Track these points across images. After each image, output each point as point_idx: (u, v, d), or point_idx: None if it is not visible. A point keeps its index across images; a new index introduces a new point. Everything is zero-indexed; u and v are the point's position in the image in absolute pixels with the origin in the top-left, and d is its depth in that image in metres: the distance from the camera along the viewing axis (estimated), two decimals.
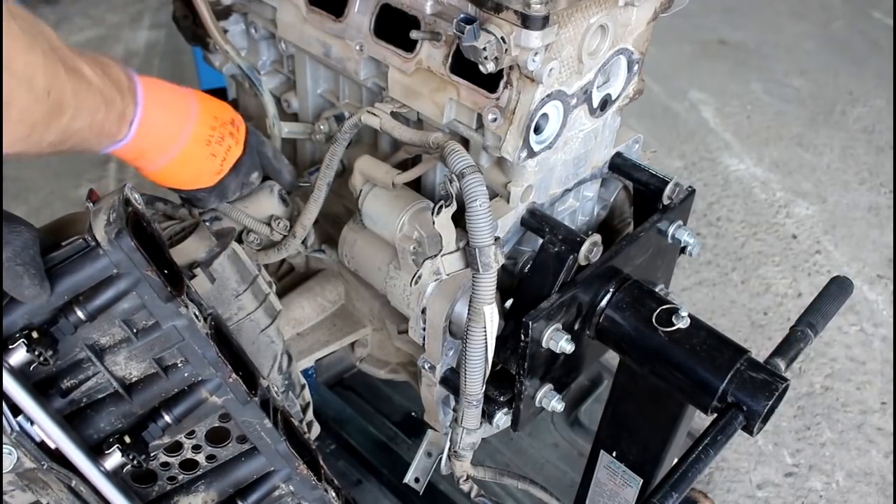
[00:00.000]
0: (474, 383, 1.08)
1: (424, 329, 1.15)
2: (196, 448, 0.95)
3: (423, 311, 1.13)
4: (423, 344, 1.17)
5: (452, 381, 1.18)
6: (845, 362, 2.43)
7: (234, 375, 0.89)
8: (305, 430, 1.28)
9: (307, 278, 1.44)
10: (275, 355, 1.21)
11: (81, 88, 0.79)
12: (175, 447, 0.94)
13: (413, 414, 2.02)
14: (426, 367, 1.18)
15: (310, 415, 1.33)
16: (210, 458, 0.97)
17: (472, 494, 1.28)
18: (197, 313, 0.88)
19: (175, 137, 0.98)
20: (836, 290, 1.17)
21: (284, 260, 1.48)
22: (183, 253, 1.07)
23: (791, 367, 1.06)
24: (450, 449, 1.20)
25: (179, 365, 0.88)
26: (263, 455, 0.97)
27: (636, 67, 1.12)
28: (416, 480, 1.39)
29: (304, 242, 1.29)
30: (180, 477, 0.97)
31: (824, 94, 3.63)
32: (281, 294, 1.41)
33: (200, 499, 0.98)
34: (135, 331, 0.84)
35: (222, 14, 1.33)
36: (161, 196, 1.25)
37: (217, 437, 0.95)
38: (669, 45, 3.78)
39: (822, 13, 4.24)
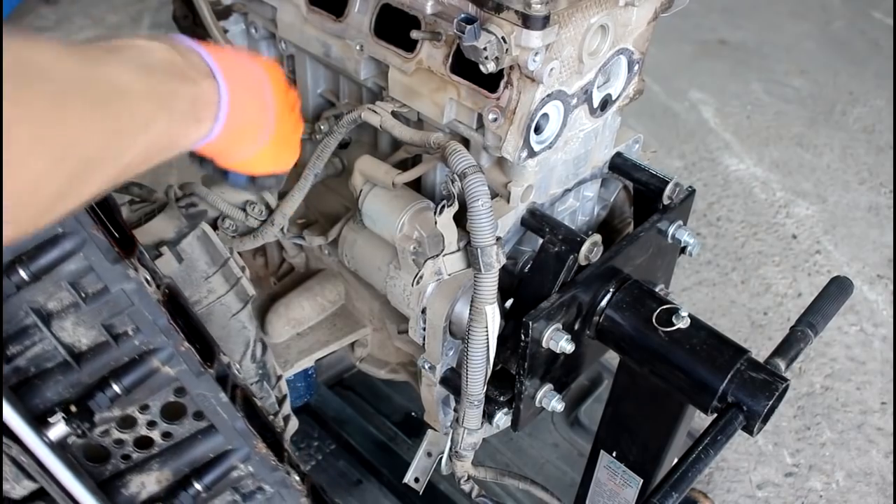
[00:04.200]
0: (476, 383, 1.08)
1: (424, 329, 1.15)
2: (151, 424, 0.92)
3: (423, 311, 1.13)
4: (423, 344, 1.17)
5: (452, 381, 1.18)
6: (845, 362, 2.43)
7: (186, 345, 0.86)
8: (282, 424, 1.26)
9: (307, 278, 1.44)
10: (247, 342, 1.18)
11: (117, 117, 0.57)
12: (129, 423, 0.91)
13: (413, 414, 2.02)
14: (426, 367, 1.18)
15: (286, 408, 1.31)
16: (166, 435, 0.94)
17: (474, 495, 1.28)
18: (148, 279, 0.85)
19: (265, 116, 0.82)
20: (836, 290, 1.16)
21: (284, 260, 1.48)
22: (151, 232, 1.06)
23: (791, 367, 1.06)
24: (451, 449, 1.20)
25: (130, 333, 0.85)
26: (221, 433, 0.93)
27: (636, 67, 1.12)
28: (416, 480, 1.39)
29: (282, 230, 1.27)
30: (135, 455, 0.94)
31: (824, 94, 3.63)
32: (281, 294, 1.41)
33: (154, 478, 0.95)
34: (83, 295, 0.81)
35: (222, 14, 1.33)
36: (134, 181, 1.24)
37: (173, 413, 0.92)
38: (669, 45, 3.78)
39: (822, 13, 4.24)
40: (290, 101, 0.88)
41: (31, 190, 0.50)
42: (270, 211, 1.24)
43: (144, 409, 0.91)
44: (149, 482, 0.95)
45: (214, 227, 1.22)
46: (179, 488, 0.97)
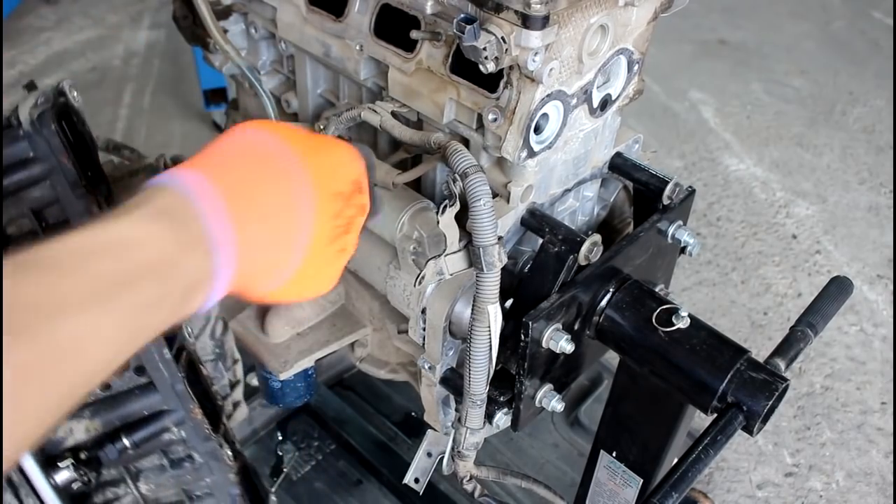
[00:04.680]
0: (478, 383, 1.08)
1: (424, 329, 1.15)
2: None
3: (423, 312, 1.13)
4: (423, 344, 1.17)
5: (452, 381, 1.18)
6: (845, 362, 2.43)
7: None
8: (231, 408, 1.25)
9: None
10: (208, 315, 1.17)
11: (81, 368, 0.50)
12: None
13: (413, 414, 2.02)
14: (426, 367, 1.18)
15: (238, 394, 1.26)
16: (104, 386, 0.91)
17: (476, 494, 1.28)
18: None
19: (287, 258, 0.68)
20: (836, 290, 1.16)
21: None
22: (130, 188, 1.06)
23: (791, 367, 1.06)
24: (453, 449, 1.20)
25: None
26: (159, 391, 0.91)
27: (636, 67, 1.12)
28: (416, 481, 1.39)
29: None
30: None
31: (824, 94, 3.63)
32: None
33: (84, 426, 0.93)
34: (43, 225, 0.81)
35: (222, 14, 1.33)
36: (127, 145, 1.24)
37: None
38: (669, 45, 3.78)
39: (822, 13, 4.24)
40: (344, 215, 0.74)
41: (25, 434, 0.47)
42: None
43: None
44: (77, 429, 0.93)
45: None
46: (107, 441, 0.94)
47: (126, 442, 0.94)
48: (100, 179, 0.84)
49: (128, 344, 0.54)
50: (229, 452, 1.01)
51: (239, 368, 1.27)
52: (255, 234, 0.63)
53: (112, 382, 0.91)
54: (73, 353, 0.50)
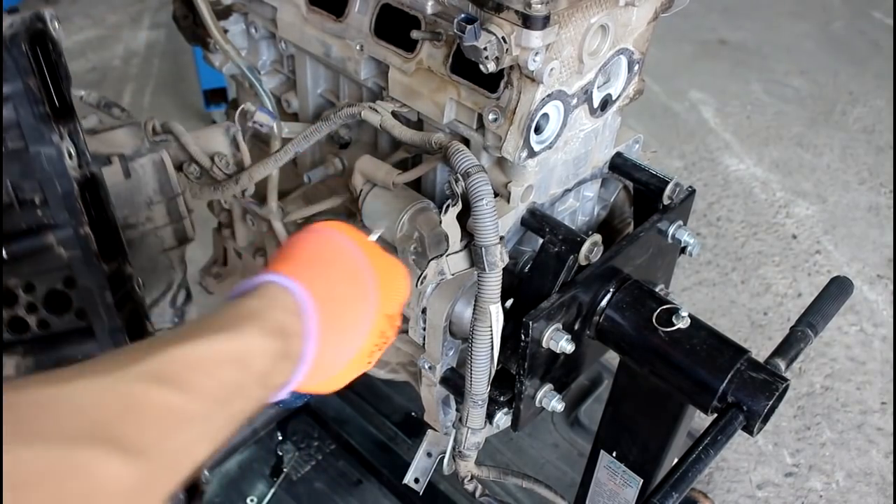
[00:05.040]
0: (480, 383, 1.08)
1: (424, 329, 1.15)
2: (31, 308, 0.88)
3: (424, 311, 1.13)
4: (424, 344, 1.18)
5: (452, 381, 1.19)
6: (845, 362, 2.43)
7: (87, 229, 0.84)
8: None
9: None
10: (170, 282, 1.16)
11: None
12: (9, 299, 0.87)
13: (413, 414, 2.02)
14: (426, 367, 1.18)
15: None
16: (42, 324, 0.90)
17: (477, 494, 1.28)
18: (72, 152, 0.83)
19: (336, 366, 0.76)
20: (836, 290, 1.17)
21: None
22: (108, 141, 1.04)
23: (791, 367, 1.06)
24: (454, 449, 1.20)
25: (36, 203, 0.82)
26: (97, 339, 0.90)
27: (636, 67, 1.12)
28: (416, 481, 1.39)
29: (243, 192, 1.26)
30: (5, 335, 0.91)
31: (824, 94, 3.63)
32: None
33: (14, 362, 0.92)
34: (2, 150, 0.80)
35: (222, 14, 1.33)
36: (117, 103, 1.24)
37: (56, 303, 0.89)
38: (669, 45, 3.78)
39: (822, 13, 4.24)
40: (384, 336, 0.81)
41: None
42: (240, 169, 1.24)
43: (29, 289, 0.87)
44: (8, 365, 0.92)
45: (179, 168, 1.20)
46: None
47: None
48: (69, 113, 0.83)
49: (215, 447, 0.58)
50: None
51: None
52: (328, 352, 0.70)
53: (51, 322, 0.89)
54: (186, 459, 0.54)
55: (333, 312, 0.70)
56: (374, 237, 0.96)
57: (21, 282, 0.87)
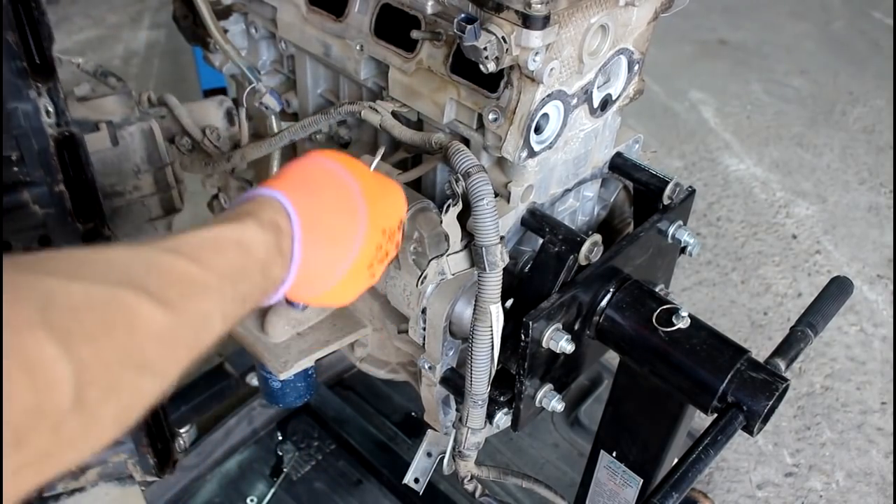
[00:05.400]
0: (480, 383, 1.08)
1: (424, 329, 1.15)
2: None
3: (424, 311, 1.13)
4: (423, 344, 1.17)
5: (452, 381, 1.18)
6: (845, 362, 2.43)
7: (62, 187, 0.84)
8: None
9: None
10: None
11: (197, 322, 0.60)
12: None
13: (413, 414, 2.02)
14: (426, 367, 1.18)
15: None
16: None
17: (477, 494, 1.28)
18: (51, 110, 0.83)
19: (333, 274, 0.80)
20: (836, 290, 1.17)
21: None
22: (98, 108, 1.04)
23: (791, 367, 1.07)
24: (454, 449, 1.20)
25: (13, 159, 0.82)
26: None
27: (636, 67, 1.12)
28: (416, 481, 1.39)
29: (233, 169, 1.26)
30: None
31: (824, 94, 3.63)
32: None
33: None
34: None
35: (222, 14, 1.33)
36: (114, 72, 1.24)
37: None
38: (669, 45, 3.78)
39: (822, 13, 4.24)
40: (384, 247, 0.85)
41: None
42: (234, 145, 1.24)
43: (6, 248, 0.88)
44: None
45: (172, 141, 1.20)
46: None
47: None
48: (48, 71, 0.83)
49: (229, 325, 0.65)
50: None
51: None
52: (316, 256, 0.76)
53: None
54: (205, 326, 0.61)
55: (318, 220, 0.76)
56: (373, 166, 0.97)
57: None
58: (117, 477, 1.08)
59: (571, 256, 1.07)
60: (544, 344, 1.07)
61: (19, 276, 0.48)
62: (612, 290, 1.14)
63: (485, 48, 0.91)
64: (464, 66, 1.02)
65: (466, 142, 1.10)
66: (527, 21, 0.89)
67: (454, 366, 1.21)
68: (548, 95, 1.00)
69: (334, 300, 0.85)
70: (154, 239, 0.61)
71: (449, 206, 1.02)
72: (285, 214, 0.73)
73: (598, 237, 1.09)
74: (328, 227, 0.77)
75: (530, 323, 1.03)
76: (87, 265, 0.53)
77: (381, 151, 1.05)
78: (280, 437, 1.99)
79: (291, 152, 1.45)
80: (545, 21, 0.89)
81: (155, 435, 1.11)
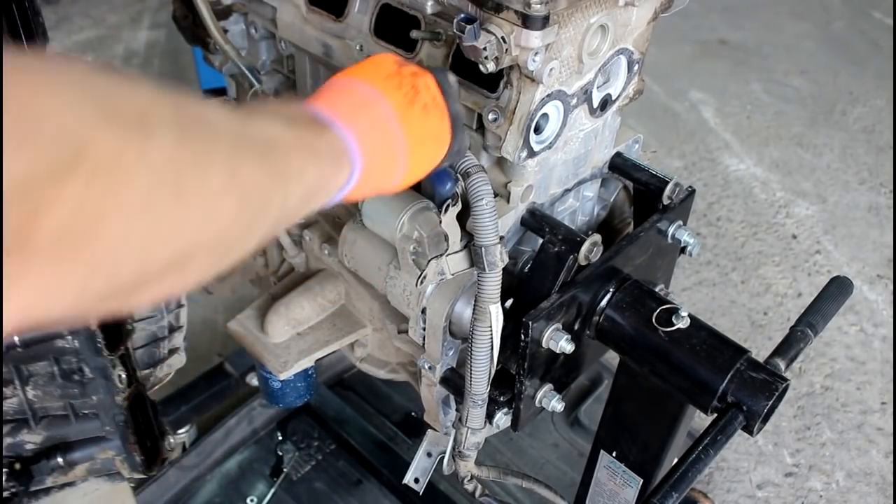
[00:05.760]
0: (480, 382, 1.08)
1: (424, 329, 1.15)
2: None
3: (423, 311, 1.13)
4: (423, 344, 1.18)
5: (452, 381, 1.19)
6: (845, 362, 2.43)
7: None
8: (166, 353, 1.21)
9: (307, 278, 1.43)
10: None
11: (277, 168, 0.61)
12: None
13: (413, 414, 2.02)
14: (426, 367, 1.18)
15: (178, 341, 1.24)
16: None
17: (477, 494, 1.28)
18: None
19: (392, 139, 0.80)
20: (836, 290, 1.17)
21: (284, 260, 1.48)
22: None
23: (791, 367, 1.07)
24: (454, 449, 1.20)
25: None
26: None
27: (636, 67, 1.12)
28: (416, 481, 1.39)
29: None
30: None
31: (824, 94, 3.63)
32: (281, 294, 1.40)
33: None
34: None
35: (222, 14, 1.33)
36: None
37: None
38: (669, 45, 3.78)
39: (822, 13, 4.24)
40: (409, 84, 0.83)
41: (221, 235, 0.55)
42: None
43: None
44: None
45: None
46: None
47: (16, 339, 0.92)
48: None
49: (308, 201, 0.67)
50: (122, 375, 0.99)
51: (183, 314, 1.23)
52: (369, 140, 0.75)
53: None
54: (295, 179, 0.63)
55: (359, 118, 0.76)
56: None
57: None
58: (105, 473, 1.08)
59: (571, 256, 1.07)
60: (544, 344, 1.07)
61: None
62: (611, 290, 1.14)
63: (484, 48, 0.91)
64: (463, 65, 1.02)
65: None
66: (526, 21, 0.89)
67: (454, 366, 1.21)
68: (547, 95, 1.00)
69: (428, 154, 0.85)
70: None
71: (448, 205, 1.02)
72: (341, 135, 0.73)
73: (597, 237, 1.09)
74: (364, 122, 0.76)
75: (530, 323, 1.03)
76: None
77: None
78: (280, 437, 1.99)
79: None
80: (545, 21, 0.89)
81: (143, 432, 1.11)
